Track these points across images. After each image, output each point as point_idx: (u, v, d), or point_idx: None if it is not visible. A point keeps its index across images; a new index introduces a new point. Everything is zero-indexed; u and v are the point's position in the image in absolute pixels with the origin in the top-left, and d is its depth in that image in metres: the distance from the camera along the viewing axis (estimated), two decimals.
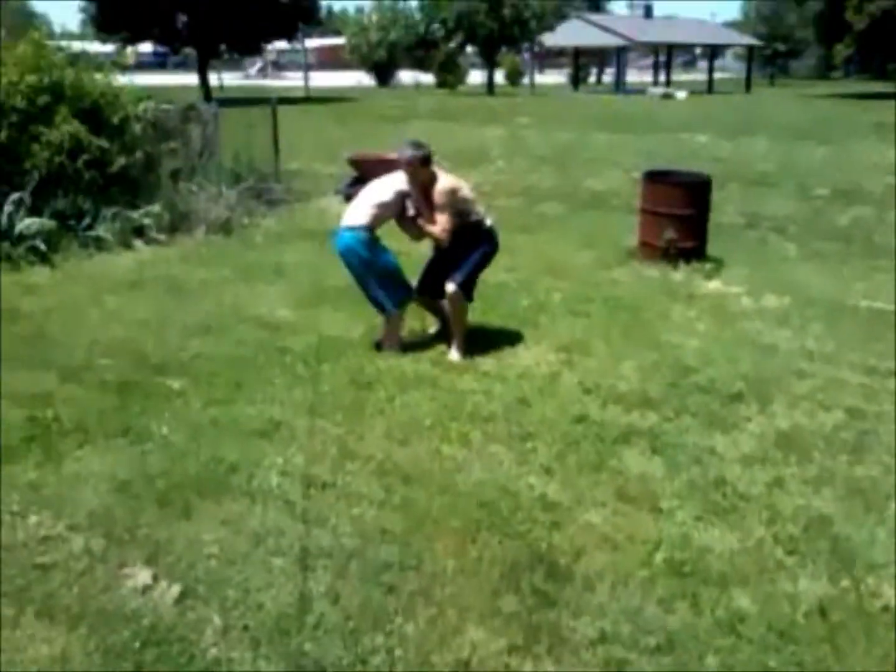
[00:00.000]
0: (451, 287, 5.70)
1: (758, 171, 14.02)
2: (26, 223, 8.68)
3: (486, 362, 5.62)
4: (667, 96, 40.09)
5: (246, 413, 4.72)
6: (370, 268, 5.65)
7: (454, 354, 5.73)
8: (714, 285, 7.58)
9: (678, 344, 6.02)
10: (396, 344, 5.80)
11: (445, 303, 5.87)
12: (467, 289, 5.84)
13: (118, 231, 9.30)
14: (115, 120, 10.38)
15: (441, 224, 5.58)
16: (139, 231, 9.60)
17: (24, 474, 4.04)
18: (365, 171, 12.38)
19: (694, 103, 35.64)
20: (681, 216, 7.91)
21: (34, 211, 8.93)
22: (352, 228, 5.60)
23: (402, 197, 5.64)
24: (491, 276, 7.83)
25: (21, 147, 9.24)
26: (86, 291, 7.47)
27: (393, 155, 12.98)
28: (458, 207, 5.65)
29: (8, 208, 8.65)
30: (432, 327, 6.24)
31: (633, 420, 4.71)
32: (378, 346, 5.82)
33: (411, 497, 3.86)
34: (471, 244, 5.79)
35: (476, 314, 6.50)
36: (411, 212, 5.72)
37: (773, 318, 6.66)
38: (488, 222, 5.91)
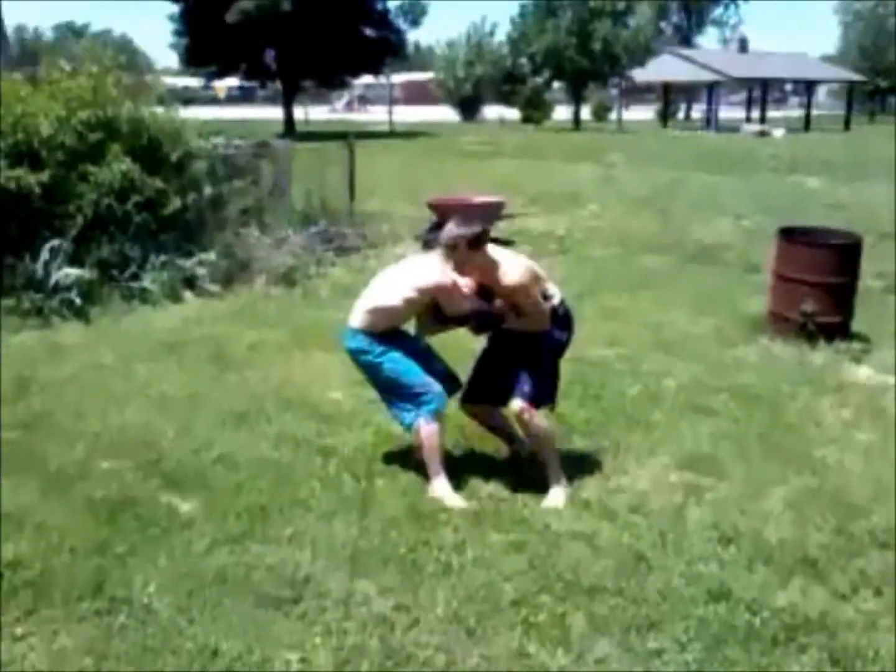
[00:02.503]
0: (516, 404, 4.14)
1: (887, 223, 12.37)
2: (63, 273, 7.76)
3: (587, 483, 4.31)
4: (763, 134, 38.14)
5: (265, 561, 3.51)
6: (377, 377, 4.33)
7: (556, 497, 4.13)
8: (865, 373, 6.12)
9: (835, 463, 4.61)
10: (438, 477, 4.20)
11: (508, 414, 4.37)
12: (545, 397, 4.29)
13: (166, 282, 8.32)
14: (175, 157, 9.48)
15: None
16: (190, 282, 8.61)
17: None
18: (446, 216, 11.26)
19: (793, 142, 33.68)
20: (825, 285, 6.48)
21: (75, 258, 8.01)
22: (351, 329, 4.31)
23: (411, 305, 4.17)
24: (589, 348, 6.59)
25: (67, 188, 8.35)
26: (115, 357, 6.45)
27: (478, 198, 12.01)
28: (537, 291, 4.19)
29: (44, 256, 7.74)
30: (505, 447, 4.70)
31: (793, 597, 3.34)
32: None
33: None
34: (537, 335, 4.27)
35: (571, 404, 5.25)
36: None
37: None
38: (557, 300, 4.30)
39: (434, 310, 4.24)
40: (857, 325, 6.92)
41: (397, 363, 4.21)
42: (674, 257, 10.18)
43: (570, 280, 9.09)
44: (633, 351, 6.58)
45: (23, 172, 7.83)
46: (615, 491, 4.26)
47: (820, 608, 3.27)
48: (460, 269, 4.09)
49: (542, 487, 4.20)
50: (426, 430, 4.16)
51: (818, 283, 6.48)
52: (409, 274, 4.24)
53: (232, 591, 3.27)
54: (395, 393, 4.26)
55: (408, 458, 4.56)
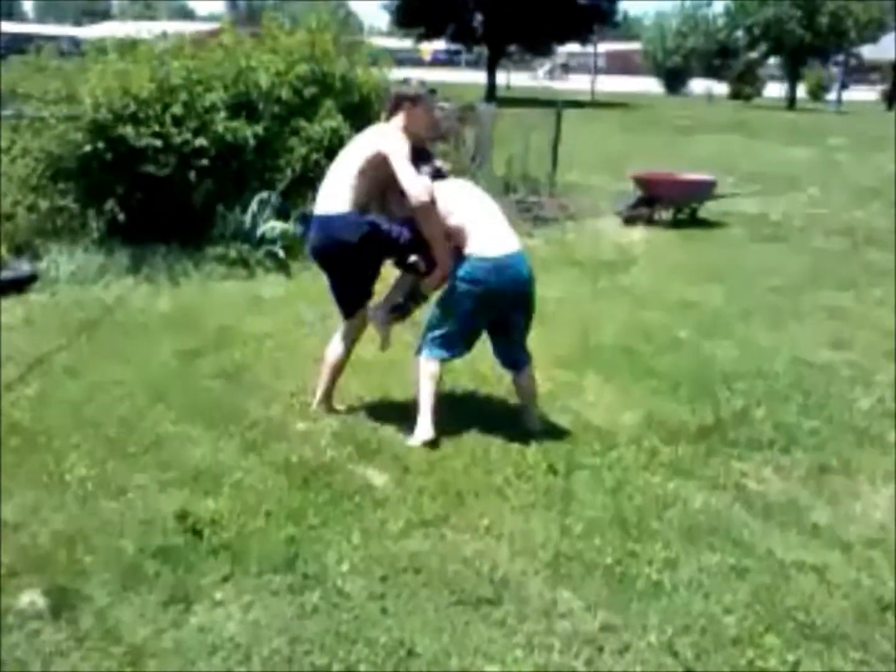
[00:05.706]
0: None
1: None
2: (270, 225, 7.88)
3: (814, 505, 3.85)
4: None
5: (461, 552, 3.30)
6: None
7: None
8: None
9: None
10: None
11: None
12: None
13: None
14: None
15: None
16: None
17: (135, 622, 2.84)
18: (652, 191, 10.73)
19: None
20: None
21: (281, 212, 8.13)
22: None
23: None
24: (810, 348, 6.03)
25: (279, 142, 8.47)
26: (315, 314, 6.44)
27: (687, 176, 11.37)
28: None
29: (253, 207, 7.88)
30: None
31: None
32: None
33: None
34: None
35: (791, 411, 4.81)
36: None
37: None
38: None
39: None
40: None
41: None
42: None
43: (786, 270, 8.43)
44: (862, 358, 5.93)
45: (239, 124, 7.97)
46: (847, 518, 3.76)
47: None
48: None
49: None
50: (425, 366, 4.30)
51: None
52: None
53: (427, 582, 3.07)
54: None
55: (607, 453, 4.25)
